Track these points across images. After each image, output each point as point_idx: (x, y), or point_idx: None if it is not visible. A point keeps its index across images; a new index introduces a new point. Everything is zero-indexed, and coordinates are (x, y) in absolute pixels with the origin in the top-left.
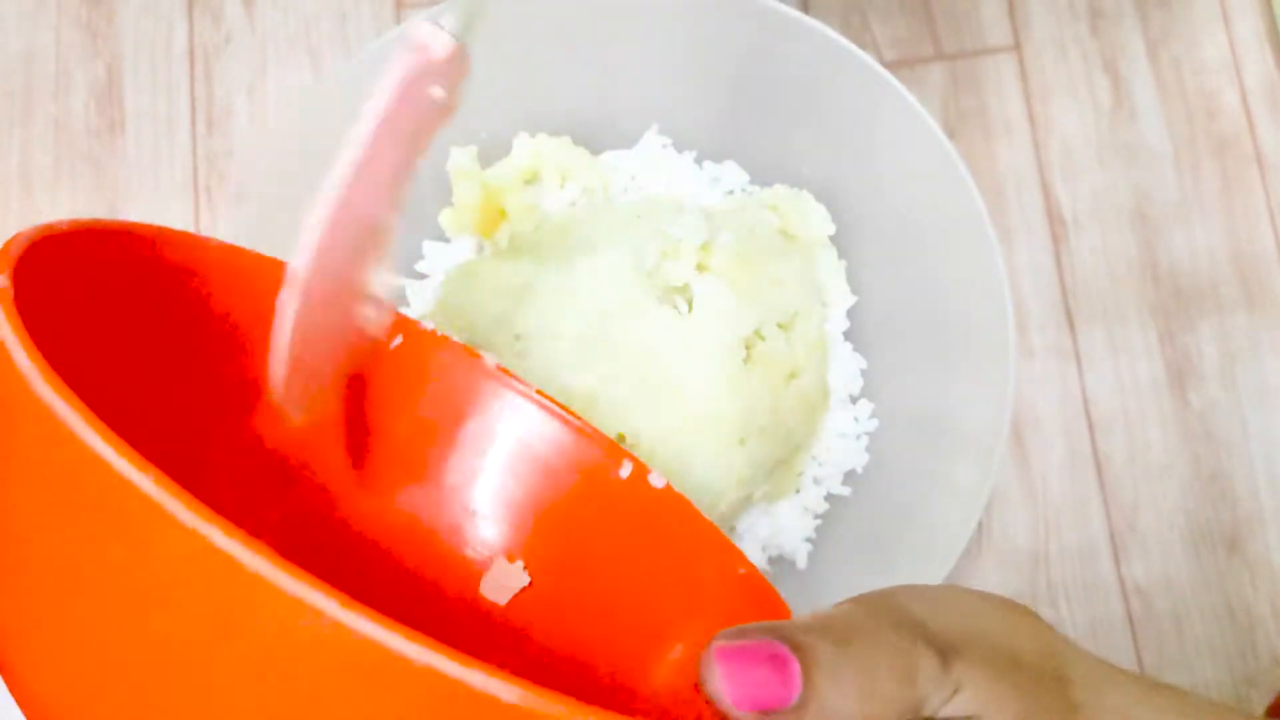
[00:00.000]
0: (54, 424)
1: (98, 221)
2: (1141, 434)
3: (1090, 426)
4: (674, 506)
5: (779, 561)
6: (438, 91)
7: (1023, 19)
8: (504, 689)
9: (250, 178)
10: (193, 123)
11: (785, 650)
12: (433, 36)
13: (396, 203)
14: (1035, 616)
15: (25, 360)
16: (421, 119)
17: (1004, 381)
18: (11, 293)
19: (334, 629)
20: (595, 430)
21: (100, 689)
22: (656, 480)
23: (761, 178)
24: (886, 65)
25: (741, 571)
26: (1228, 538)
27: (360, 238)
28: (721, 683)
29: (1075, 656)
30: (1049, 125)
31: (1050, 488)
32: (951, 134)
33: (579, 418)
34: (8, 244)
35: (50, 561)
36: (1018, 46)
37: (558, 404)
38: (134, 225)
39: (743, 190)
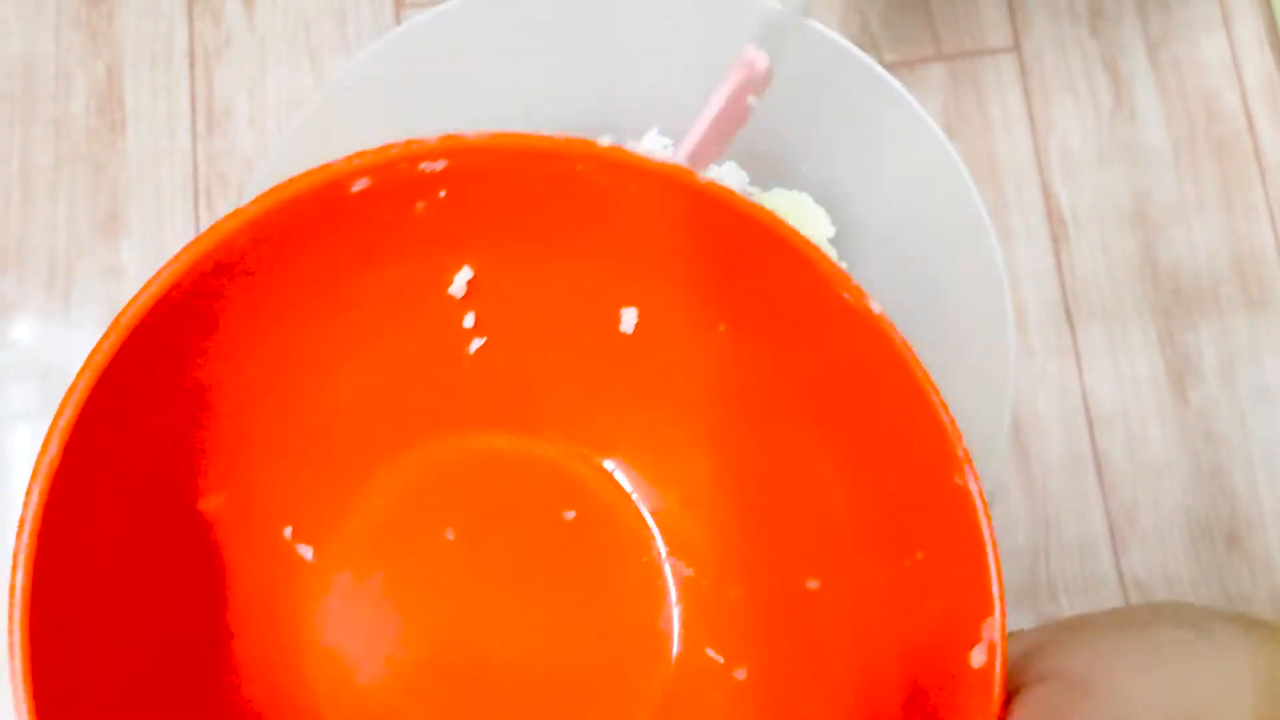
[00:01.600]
0: None
1: None
2: (1141, 433)
3: (1090, 425)
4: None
5: None
6: (753, 100)
7: (1023, 19)
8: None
9: (250, 178)
10: (193, 123)
11: None
12: (758, 57)
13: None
14: None
15: None
16: (737, 119)
17: (1004, 381)
18: None
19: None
20: None
21: None
22: None
23: (761, 178)
24: (886, 66)
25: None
26: (1227, 534)
27: None
28: None
29: None
30: (1049, 125)
31: (1050, 485)
32: (951, 134)
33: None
34: None
35: None
36: (1018, 46)
37: None
38: None
39: (743, 191)
